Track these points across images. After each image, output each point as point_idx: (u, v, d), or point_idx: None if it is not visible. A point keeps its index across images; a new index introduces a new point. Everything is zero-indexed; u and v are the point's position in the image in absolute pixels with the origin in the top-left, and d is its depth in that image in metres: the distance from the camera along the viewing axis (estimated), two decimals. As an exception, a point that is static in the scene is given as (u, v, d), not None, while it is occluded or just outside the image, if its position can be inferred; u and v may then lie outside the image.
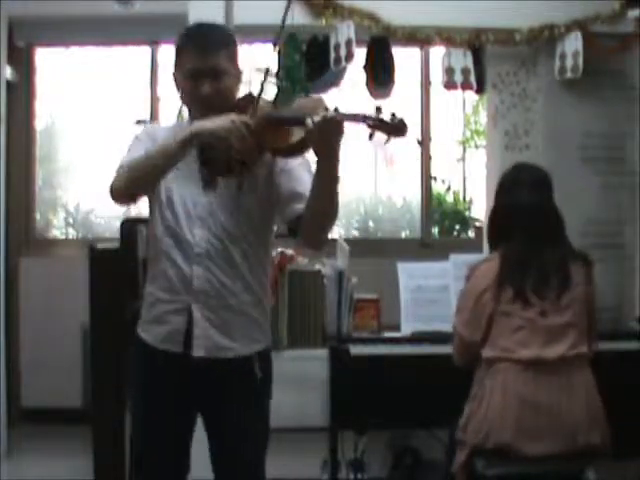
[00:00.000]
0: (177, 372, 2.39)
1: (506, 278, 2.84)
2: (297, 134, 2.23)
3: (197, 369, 2.37)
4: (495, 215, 3.04)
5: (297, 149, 2.28)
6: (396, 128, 2.15)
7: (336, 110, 2.17)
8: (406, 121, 2.15)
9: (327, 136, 2.14)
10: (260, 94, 2.34)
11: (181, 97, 2.43)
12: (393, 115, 2.14)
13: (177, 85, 2.43)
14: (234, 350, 2.39)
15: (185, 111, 2.54)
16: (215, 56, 2.34)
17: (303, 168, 2.38)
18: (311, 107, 2.23)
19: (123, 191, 2.33)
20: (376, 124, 2.14)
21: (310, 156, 2.29)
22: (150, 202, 2.46)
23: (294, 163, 2.37)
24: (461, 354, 2.97)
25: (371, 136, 2.16)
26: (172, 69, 2.44)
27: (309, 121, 2.14)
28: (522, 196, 2.94)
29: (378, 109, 2.15)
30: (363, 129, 2.17)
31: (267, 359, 2.49)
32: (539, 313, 2.81)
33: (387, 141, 2.16)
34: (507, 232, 2.93)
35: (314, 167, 2.27)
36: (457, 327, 2.97)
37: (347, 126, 2.16)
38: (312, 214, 2.29)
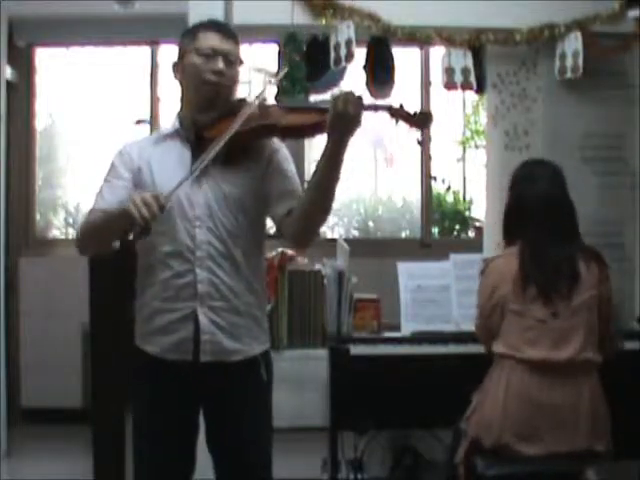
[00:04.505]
0: (182, 379, 2.34)
1: (529, 275, 2.80)
2: (313, 116, 2.26)
3: (203, 373, 2.34)
4: (513, 207, 2.98)
5: (309, 131, 2.30)
6: (420, 118, 2.22)
7: (360, 97, 2.19)
8: (430, 112, 2.23)
9: (346, 113, 2.12)
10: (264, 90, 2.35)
11: (183, 84, 2.37)
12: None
13: (182, 70, 2.36)
14: (241, 352, 2.36)
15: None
16: (233, 44, 2.37)
17: (294, 171, 2.40)
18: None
19: (83, 245, 2.35)
20: (399, 114, 2.21)
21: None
22: None
23: (287, 165, 2.39)
24: (486, 349, 2.97)
25: (397, 121, 2.22)
26: (178, 55, 2.38)
27: (332, 99, 2.16)
28: (541, 188, 2.91)
29: (401, 105, 2.23)
30: (385, 119, 2.24)
31: (269, 360, 2.47)
32: (551, 314, 2.79)
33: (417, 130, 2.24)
34: (525, 224, 2.89)
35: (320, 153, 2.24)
36: (477, 326, 3.00)
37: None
38: (306, 206, 2.26)
